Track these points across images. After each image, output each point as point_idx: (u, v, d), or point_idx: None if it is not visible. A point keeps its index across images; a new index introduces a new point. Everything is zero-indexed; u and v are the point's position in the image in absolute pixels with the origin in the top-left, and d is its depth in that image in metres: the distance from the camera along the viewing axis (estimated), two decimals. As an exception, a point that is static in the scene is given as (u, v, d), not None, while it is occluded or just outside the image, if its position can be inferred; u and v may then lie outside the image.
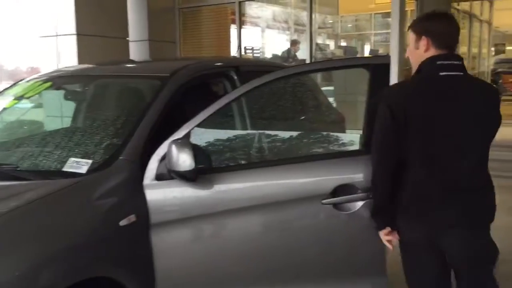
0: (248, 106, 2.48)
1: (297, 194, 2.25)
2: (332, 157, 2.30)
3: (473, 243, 2.10)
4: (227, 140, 2.46)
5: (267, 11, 11.54)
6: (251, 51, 10.90)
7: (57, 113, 3.09)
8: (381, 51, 12.75)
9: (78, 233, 1.97)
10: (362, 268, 2.32)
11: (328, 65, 2.47)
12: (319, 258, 2.31)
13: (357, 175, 2.26)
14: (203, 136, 2.36)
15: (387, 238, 2.14)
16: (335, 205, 2.25)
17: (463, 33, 10.92)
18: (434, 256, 2.12)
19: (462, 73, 2.07)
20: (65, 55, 7.14)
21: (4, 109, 2.99)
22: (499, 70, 14.30)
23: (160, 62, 3.50)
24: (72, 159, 2.27)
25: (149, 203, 2.21)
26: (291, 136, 2.41)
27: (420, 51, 2.10)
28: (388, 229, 2.13)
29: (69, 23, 7.03)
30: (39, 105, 3.17)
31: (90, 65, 3.21)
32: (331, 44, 13.24)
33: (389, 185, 2.06)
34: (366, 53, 13.50)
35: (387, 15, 14.13)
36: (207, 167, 2.25)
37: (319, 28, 9.97)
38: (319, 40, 11.28)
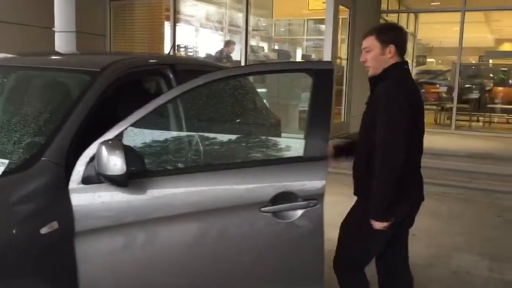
0: (186, 107, 2.34)
1: (235, 202, 2.15)
2: (272, 163, 2.23)
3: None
4: (162, 142, 2.31)
5: (202, 10, 11.37)
6: (184, 49, 10.69)
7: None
8: (313, 56, 12.97)
9: (-10, 242, 1.75)
10: (300, 277, 2.27)
11: (271, 68, 2.40)
12: (256, 267, 2.23)
13: (298, 183, 2.20)
14: (136, 138, 2.20)
15: (386, 225, 2.39)
16: (275, 213, 2.17)
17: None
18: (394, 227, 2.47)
19: None
20: (-19, 42, 6.60)
21: None
22: (421, 80, 15.07)
23: (90, 56, 3.25)
24: (-14, 158, 2.03)
25: (74, 209, 2.03)
26: (229, 140, 2.30)
27: (385, 57, 2.45)
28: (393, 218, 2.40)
29: (-13, 8, 6.53)
30: None
31: (10, 55, 2.92)
32: (265, 46, 13.28)
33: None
34: (299, 58, 13.69)
35: (319, 21, 14.47)
36: (139, 171, 2.10)
37: (253, 30, 9.95)
38: (253, 42, 11.27)
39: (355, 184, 2.56)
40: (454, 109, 9.35)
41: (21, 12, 6.90)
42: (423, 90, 13.53)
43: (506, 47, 18.25)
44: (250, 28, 8.75)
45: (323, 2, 8.16)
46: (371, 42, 2.45)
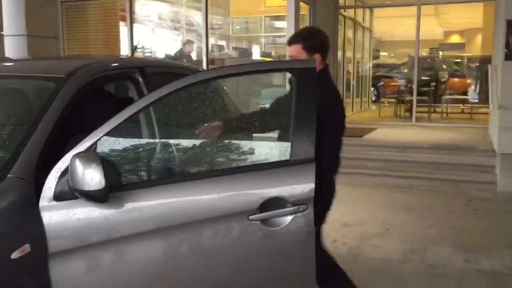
0: (162, 113, 2.20)
1: (221, 211, 2.04)
2: (259, 168, 2.12)
3: None
4: (138, 152, 2.16)
5: (158, 9, 11.11)
6: (142, 50, 10.41)
7: None
8: (273, 53, 12.93)
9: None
10: (294, 285, 2.18)
11: (252, 69, 2.28)
12: (247, 277, 2.12)
13: (286, 187, 2.10)
14: (111, 148, 2.05)
15: None
16: (263, 221, 2.07)
17: (349, 39, 11.47)
18: None
19: None
20: None
21: None
22: (378, 74, 15.32)
23: (53, 61, 3.04)
24: None
25: (46, 229, 1.86)
26: (211, 145, 2.18)
27: None
28: None
29: None
30: None
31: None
32: (224, 45, 13.13)
33: None
34: (257, 56, 13.62)
35: (276, 18, 14.45)
36: (117, 183, 1.96)
37: (211, 28, 9.78)
38: (212, 41, 11.12)
39: None
40: (414, 101, 9.52)
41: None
42: (382, 84, 13.79)
43: (455, 39, 18.87)
44: (209, 27, 8.59)
45: (283, -1, 8.12)
46: (297, 50, 2.46)
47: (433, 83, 11.38)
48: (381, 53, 20.20)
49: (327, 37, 2.58)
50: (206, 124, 2.28)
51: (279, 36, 14.24)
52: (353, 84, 11.52)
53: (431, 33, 16.60)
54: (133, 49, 8.03)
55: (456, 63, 14.21)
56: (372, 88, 14.25)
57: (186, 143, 2.18)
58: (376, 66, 16.22)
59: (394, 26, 16.68)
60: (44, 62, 2.91)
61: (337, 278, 2.64)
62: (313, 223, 2.12)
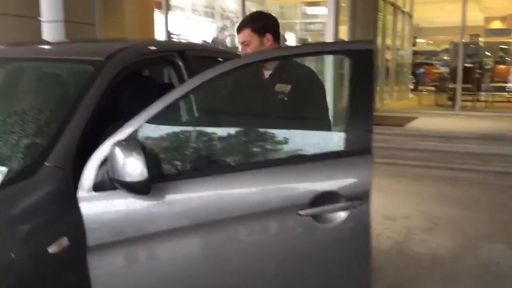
0: (205, 99, 2.05)
1: (270, 205, 1.88)
2: (310, 160, 1.94)
3: None
4: (180, 140, 2.02)
5: (194, -5, 10.98)
6: (177, 36, 10.32)
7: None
8: (309, 40, 12.64)
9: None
10: (346, 286, 2.01)
11: (304, 51, 2.10)
12: (297, 276, 1.95)
13: (340, 181, 1.93)
14: (153, 136, 1.92)
15: None
16: (315, 217, 1.90)
17: (388, 25, 11.07)
18: None
19: None
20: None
21: None
22: (418, 61, 14.79)
23: (91, 44, 2.93)
24: (-21, 167, 1.74)
25: (85, 221, 1.75)
26: (261, 134, 2.01)
27: (264, 47, 2.41)
28: None
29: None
30: None
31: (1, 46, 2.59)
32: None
33: None
34: (293, 42, 13.36)
35: (311, 4, 14.12)
36: (159, 174, 1.82)
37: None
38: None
39: None
40: (459, 90, 9.11)
41: (3, 1, 6.50)
42: (422, 71, 13.31)
43: (496, 24, 18.07)
44: (247, 13, 8.41)
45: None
46: (247, 34, 2.44)
47: (478, 71, 10.87)
48: (419, 40, 19.56)
49: (275, 18, 2.57)
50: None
51: (316, 23, 13.94)
52: (391, 71, 11.14)
53: (472, 19, 15.93)
54: (168, 35, 7.93)
55: (502, 49, 13.56)
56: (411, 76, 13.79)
57: (231, 131, 2.02)
58: (415, 53, 15.67)
59: (433, 11, 16.08)
60: (82, 44, 2.80)
61: None
62: (369, 220, 1.95)
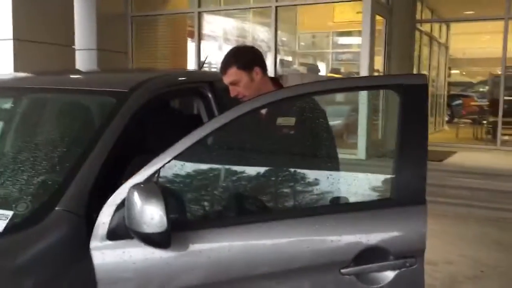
0: (239, 136, 1.83)
1: (308, 261, 1.64)
2: (353, 209, 1.70)
3: None
4: (207, 182, 1.80)
5: (226, 25, 10.98)
6: (208, 65, 10.29)
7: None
8: (342, 70, 12.47)
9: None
10: None
11: (349, 85, 1.88)
12: None
13: (388, 235, 1.67)
14: (175, 177, 1.71)
15: None
16: (359, 276, 1.64)
17: (424, 55, 10.80)
18: None
19: None
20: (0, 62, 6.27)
21: None
22: (453, 93, 14.37)
23: (115, 74, 2.78)
24: (-17, 209, 1.56)
25: (97, 273, 1.55)
26: (298, 178, 1.79)
27: (256, 81, 2.21)
28: None
29: (5, 26, 6.20)
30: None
31: (24, 74, 2.46)
32: (291, 60, 12.82)
33: None
34: (325, 72, 13.20)
35: (345, 33, 13.99)
36: (181, 221, 1.61)
37: (280, 45, 9.48)
38: (279, 57, 10.83)
39: None
40: (500, 123, 8.68)
41: (40, 30, 6.57)
42: (459, 103, 12.90)
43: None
44: (279, 43, 8.29)
45: (357, 13, 7.69)
46: (234, 73, 2.21)
47: (520, 103, 10.38)
48: (453, 71, 19.15)
49: (257, 50, 2.37)
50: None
51: (347, 53, 13.78)
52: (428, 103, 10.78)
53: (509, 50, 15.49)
54: (201, 64, 7.87)
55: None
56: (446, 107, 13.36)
57: (267, 172, 1.80)
58: (449, 85, 15.27)
59: (469, 42, 15.72)
60: (106, 74, 2.65)
61: None
62: (423, 282, 1.67)
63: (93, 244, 1.57)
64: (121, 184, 1.64)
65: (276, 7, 7.95)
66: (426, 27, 10.62)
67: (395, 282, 1.64)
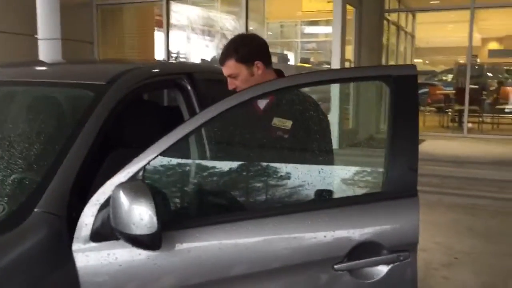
0: (228, 131, 1.77)
1: (301, 258, 1.60)
2: (345, 204, 1.67)
3: None
4: (195, 179, 1.74)
5: (195, 15, 10.82)
6: (176, 55, 10.13)
7: None
8: (311, 59, 12.50)
9: None
10: None
11: (337, 76, 1.84)
12: None
13: (381, 229, 1.64)
14: (160, 174, 1.64)
15: None
16: (352, 271, 1.62)
17: (391, 45, 10.92)
18: None
19: None
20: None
21: None
22: (419, 81, 14.60)
23: (88, 65, 2.66)
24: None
25: (81, 277, 1.47)
26: (289, 172, 1.74)
27: (256, 76, 2.06)
28: None
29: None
30: None
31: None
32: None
33: None
34: (295, 61, 13.20)
35: (312, 23, 14.02)
36: (169, 220, 1.54)
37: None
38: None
39: None
40: (466, 111, 8.88)
41: (1, 19, 6.28)
42: (425, 91, 13.13)
43: (493, 45, 18.01)
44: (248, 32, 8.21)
45: (328, 2, 7.69)
46: (233, 66, 2.07)
47: (485, 92, 10.67)
48: (419, 60, 19.52)
49: (262, 41, 2.19)
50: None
51: (316, 42, 13.83)
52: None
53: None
54: (171, 54, 7.72)
55: (508, 70, 13.42)
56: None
57: (257, 168, 1.74)
58: (420, 74, 15.52)
59: (435, 31, 16.01)
60: (80, 66, 2.53)
61: None
62: (416, 276, 1.66)
63: (76, 246, 1.48)
64: (98, 181, 1.56)
65: (246, -4, 7.86)
66: (393, 17, 10.74)
67: (389, 277, 1.62)
